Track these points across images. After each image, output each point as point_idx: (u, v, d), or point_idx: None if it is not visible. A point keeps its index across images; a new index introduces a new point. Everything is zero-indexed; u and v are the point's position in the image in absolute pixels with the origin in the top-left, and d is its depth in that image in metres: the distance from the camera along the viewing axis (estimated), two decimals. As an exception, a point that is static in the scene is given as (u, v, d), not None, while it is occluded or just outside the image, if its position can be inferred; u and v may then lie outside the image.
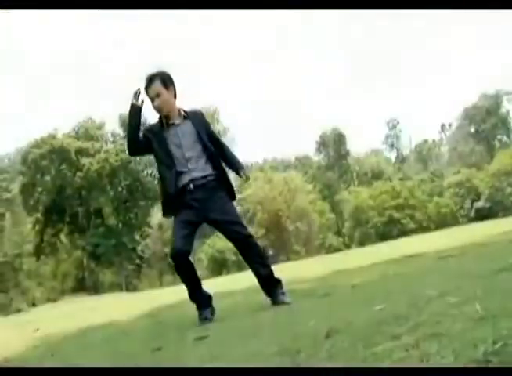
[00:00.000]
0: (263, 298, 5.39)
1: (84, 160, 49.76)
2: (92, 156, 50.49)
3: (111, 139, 58.62)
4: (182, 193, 4.16)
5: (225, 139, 68.92)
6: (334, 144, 73.85)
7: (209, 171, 4.22)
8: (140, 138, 4.29)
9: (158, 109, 4.24)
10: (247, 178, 4.59)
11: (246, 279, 12.21)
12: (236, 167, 4.54)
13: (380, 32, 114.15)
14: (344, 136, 74.31)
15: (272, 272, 4.23)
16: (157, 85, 4.18)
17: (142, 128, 4.36)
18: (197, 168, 4.18)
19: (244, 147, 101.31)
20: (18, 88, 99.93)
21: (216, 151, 4.34)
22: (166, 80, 4.22)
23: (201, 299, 4.31)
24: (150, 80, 4.20)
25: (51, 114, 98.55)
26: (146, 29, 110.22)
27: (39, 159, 49.75)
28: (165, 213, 4.42)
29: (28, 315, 26.86)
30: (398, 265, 5.49)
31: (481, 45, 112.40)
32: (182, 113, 4.30)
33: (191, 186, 4.14)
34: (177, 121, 4.26)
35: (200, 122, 4.36)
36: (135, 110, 4.24)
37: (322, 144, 75.22)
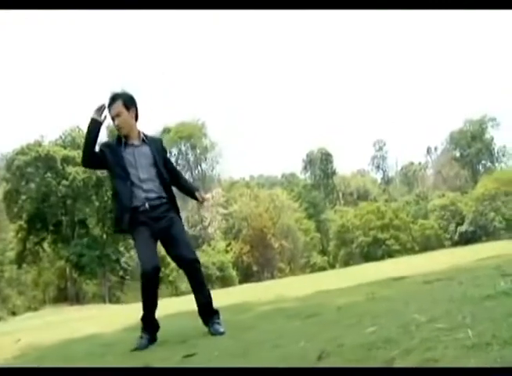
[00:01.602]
0: (248, 316, 5.41)
1: (70, 169, 49.35)
2: (79, 165, 49.99)
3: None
4: (135, 211, 4.20)
5: (213, 154, 69.12)
6: (321, 163, 74.23)
7: (163, 193, 4.31)
8: (96, 151, 4.33)
9: (118, 128, 4.32)
10: (203, 200, 4.61)
11: (231, 295, 12.15)
12: (192, 191, 4.63)
13: (370, 55, 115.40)
14: (331, 156, 74.79)
15: (211, 302, 4.29)
16: (118, 105, 4.26)
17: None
18: (153, 189, 4.26)
19: (231, 163, 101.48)
20: (4, 93, 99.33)
21: (170, 178, 4.43)
22: (127, 101, 4.30)
23: (151, 325, 4.34)
24: (113, 99, 4.28)
25: (37, 121, 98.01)
26: (137, 39, 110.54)
27: (24, 166, 49.26)
28: (117, 229, 4.42)
29: (9, 324, 26.48)
30: (383, 287, 5.49)
31: (468, 71, 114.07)
32: (142, 136, 4.38)
33: (146, 205, 4.20)
34: (135, 143, 4.33)
35: (157, 148, 4.43)
36: (95, 125, 4.30)
37: (309, 163, 75.57)
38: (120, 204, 4.26)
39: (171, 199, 4.38)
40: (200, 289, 4.31)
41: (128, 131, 4.30)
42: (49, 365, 4.35)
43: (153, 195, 4.24)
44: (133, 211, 4.19)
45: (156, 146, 4.44)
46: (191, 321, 5.28)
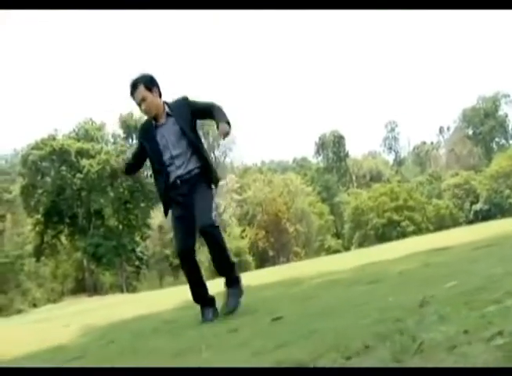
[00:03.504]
0: (303, 288, 5.52)
1: (85, 162, 49.68)
2: (93, 157, 50.40)
3: (112, 141, 58.88)
4: (170, 190, 4.36)
5: (225, 141, 69.07)
6: (333, 146, 74.06)
7: (193, 164, 4.34)
8: (138, 154, 4.64)
9: (146, 112, 4.38)
10: (224, 135, 4.24)
11: (260, 277, 12.27)
12: (217, 123, 4.27)
13: (380, 35, 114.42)
14: (343, 138, 74.54)
15: (232, 265, 4.36)
16: (141, 90, 4.26)
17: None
18: (183, 164, 4.32)
19: (243, 148, 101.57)
20: (17, 89, 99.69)
21: (207, 116, 4.41)
22: (148, 83, 4.30)
23: (205, 299, 4.43)
24: (134, 86, 4.29)
25: (50, 115, 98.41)
26: (147, 30, 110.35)
27: (39, 160, 49.73)
28: (165, 212, 4.55)
29: (32, 315, 26.87)
30: (432, 256, 5.54)
31: (479, 48, 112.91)
32: (166, 110, 4.38)
33: (177, 182, 4.32)
34: (163, 121, 4.37)
35: (182, 114, 4.37)
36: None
37: (322, 146, 75.41)
38: (159, 192, 4.49)
39: (205, 166, 4.38)
40: (217, 254, 4.26)
41: (155, 112, 4.33)
42: (120, 340, 4.52)
43: (183, 171, 4.31)
44: (169, 191, 4.35)
45: (180, 112, 4.37)
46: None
